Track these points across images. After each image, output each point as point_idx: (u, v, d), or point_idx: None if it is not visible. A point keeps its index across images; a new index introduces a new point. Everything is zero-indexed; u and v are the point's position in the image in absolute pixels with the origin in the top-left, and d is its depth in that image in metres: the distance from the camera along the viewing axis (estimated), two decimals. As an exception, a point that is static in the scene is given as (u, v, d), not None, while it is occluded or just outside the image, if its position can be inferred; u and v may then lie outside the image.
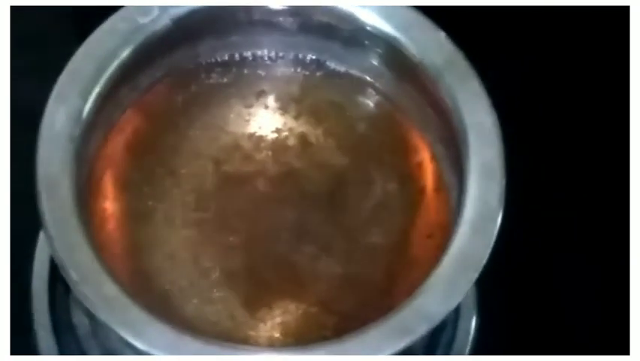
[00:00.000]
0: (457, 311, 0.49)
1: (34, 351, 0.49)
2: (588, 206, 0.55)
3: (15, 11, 0.51)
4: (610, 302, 0.53)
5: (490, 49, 0.43)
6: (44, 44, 0.56)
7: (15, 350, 0.48)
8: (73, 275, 0.39)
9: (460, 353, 0.49)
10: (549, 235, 0.54)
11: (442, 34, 0.44)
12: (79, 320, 0.48)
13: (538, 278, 0.54)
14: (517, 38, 0.58)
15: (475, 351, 0.50)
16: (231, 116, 0.46)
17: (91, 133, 0.42)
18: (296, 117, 0.46)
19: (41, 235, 0.49)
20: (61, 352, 0.48)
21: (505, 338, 0.52)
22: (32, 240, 0.49)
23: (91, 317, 0.46)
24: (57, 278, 0.48)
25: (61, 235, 0.39)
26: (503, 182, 0.41)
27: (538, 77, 0.57)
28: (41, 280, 0.49)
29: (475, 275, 0.40)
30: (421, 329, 0.39)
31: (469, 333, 0.50)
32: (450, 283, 0.40)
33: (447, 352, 0.49)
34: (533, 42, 0.58)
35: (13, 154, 0.45)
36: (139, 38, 0.43)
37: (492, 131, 0.42)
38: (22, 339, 0.49)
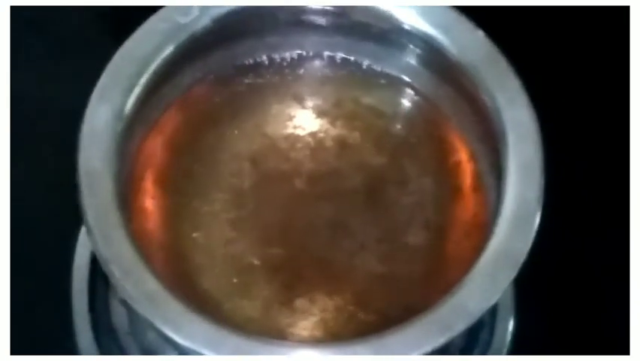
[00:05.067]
0: (494, 312, 0.49)
1: (74, 351, 0.49)
2: (628, 204, 0.55)
3: (54, 12, 0.52)
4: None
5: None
6: (83, 45, 0.56)
7: (56, 350, 0.48)
8: (114, 270, 0.39)
9: (498, 353, 0.49)
10: (588, 233, 0.54)
11: (481, 33, 0.44)
12: (118, 319, 0.49)
13: (577, 277, 0.53)
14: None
15: (512, 352, 0.49)
16: (269, 116, 0.46)
17: (132, 131, 0.42)
18: (333, 117, 0.46)
19: (82, 232, 0.49)
20: (101, 352, 0.49)
21: (542, 338, 0.51)
22: (73, 236, 0.50)
23: (131, 312, 0.46)
24: (97, 276, 0.48)
25: (103, 230, 0.39)
26: (542, 180, 0.41)
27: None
28: (81, 279, 0.49)
29: (514, 272, 0.40)
30: (460, 326, 0.39)
31: (506, 333, 0.50)
32: (489, 279, 0.39)
33: (484, 353, 0.49)
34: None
35: (56, 152, 0.46)
36: (179, 38, 0.43)
37: (531, 130, 0.42)
38: (63, 339, 0.49)
